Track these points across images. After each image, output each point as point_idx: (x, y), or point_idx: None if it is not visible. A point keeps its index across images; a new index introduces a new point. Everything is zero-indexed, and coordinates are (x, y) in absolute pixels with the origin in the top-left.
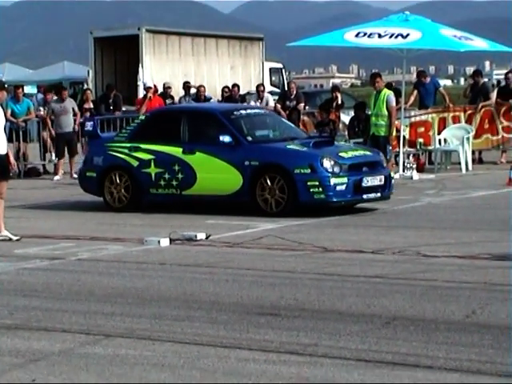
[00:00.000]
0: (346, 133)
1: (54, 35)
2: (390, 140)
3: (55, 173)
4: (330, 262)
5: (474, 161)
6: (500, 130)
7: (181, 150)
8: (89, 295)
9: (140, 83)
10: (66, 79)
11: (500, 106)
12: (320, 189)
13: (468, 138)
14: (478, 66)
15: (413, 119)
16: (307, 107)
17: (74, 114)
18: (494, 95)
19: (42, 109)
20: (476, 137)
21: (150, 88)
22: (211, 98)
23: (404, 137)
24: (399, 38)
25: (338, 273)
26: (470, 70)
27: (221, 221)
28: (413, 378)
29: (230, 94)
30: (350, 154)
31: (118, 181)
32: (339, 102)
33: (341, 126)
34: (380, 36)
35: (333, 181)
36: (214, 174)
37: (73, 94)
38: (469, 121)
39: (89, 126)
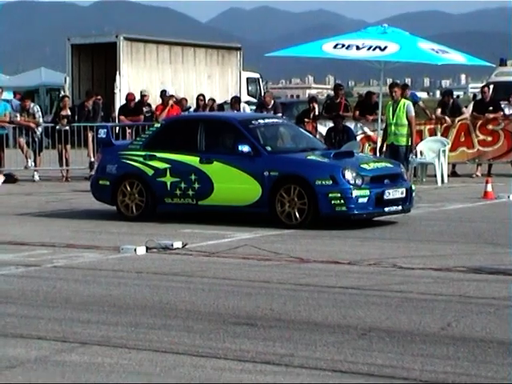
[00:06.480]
0: None
1: (31, 41)
2: (412, 149)
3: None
4: (306, 273)
5: (448, 174)
6: (476, 143)
7: (198, 159)
8: (65, 303)
9: (117, 91)
10: (43, 86)
11: (476, 120)
12: (341, 201)
13: (444, 151)
14: (454, 79)
15: None
16: (284, 117)
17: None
18: (468, 109)
19: (18, 115)
20: (452, 150)
21: (172, 96)
22: (190, 108)
23: (381, 148)
24: (377, 50)
25: (314, 283)
26: (446, 82)
27: (197, 230)
28: None
29: (205, 105)
30: (372, 165)
31: (132, 190)
32: (316, 112)
33: (318, 136)
34: (358, 48)
35: (355, 193)
36: (232, 184)
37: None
38: (445, 134)
39: (102, 133)
